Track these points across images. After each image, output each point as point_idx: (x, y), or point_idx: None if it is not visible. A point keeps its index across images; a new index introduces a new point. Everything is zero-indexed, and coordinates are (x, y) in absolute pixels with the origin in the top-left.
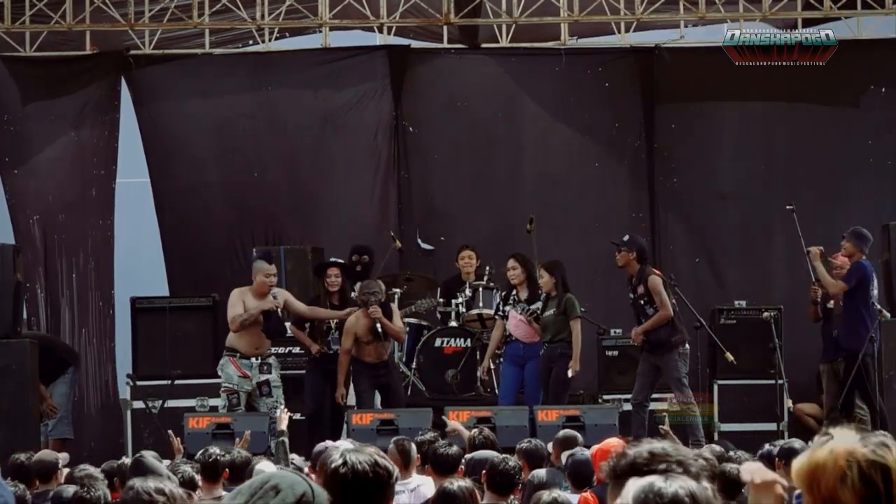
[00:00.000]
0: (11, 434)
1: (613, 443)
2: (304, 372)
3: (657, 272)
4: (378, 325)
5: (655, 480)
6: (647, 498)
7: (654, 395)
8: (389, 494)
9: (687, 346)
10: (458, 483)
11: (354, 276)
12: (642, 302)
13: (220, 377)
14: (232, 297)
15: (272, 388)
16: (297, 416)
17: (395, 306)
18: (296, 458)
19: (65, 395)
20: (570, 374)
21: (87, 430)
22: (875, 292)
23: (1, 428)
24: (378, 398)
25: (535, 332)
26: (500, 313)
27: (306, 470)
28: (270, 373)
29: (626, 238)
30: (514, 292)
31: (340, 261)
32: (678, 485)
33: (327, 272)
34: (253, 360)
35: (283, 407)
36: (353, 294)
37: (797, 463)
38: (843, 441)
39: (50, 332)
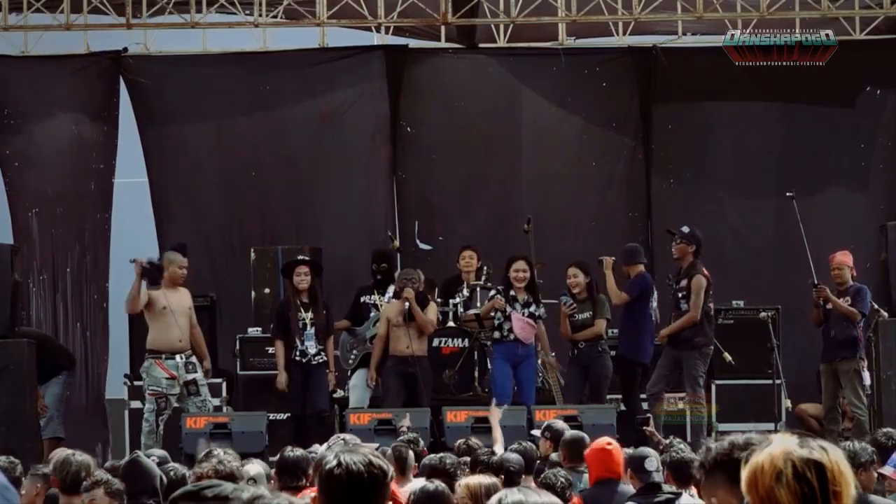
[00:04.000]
0: (10, 434)
1: (604, 441)
2: (273, 373)
3: (706, 274)
4: (406, 305)
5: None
6: None
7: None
8: (385, 494)
9: (711, 348)
10: (436, 483)
11: (374, 283)
12: (680, 295)
13: (146, 379)
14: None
15: (199, 387)
16: (282, 416)
17: (432, 303)
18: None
19: (57, 395)
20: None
21: (76, 423)
22: (654, 304)
23: None
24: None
25: (534, 333)
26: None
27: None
28: (196, 371)
29: (685, 229)
30: (511, 292)
31: (307, 258)
32: (539, 499)
33: (296, 270)
34: (178, 358)
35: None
36: (380, 298)
37: (743, 472)
38: (781, 443)
39: (45, 325)
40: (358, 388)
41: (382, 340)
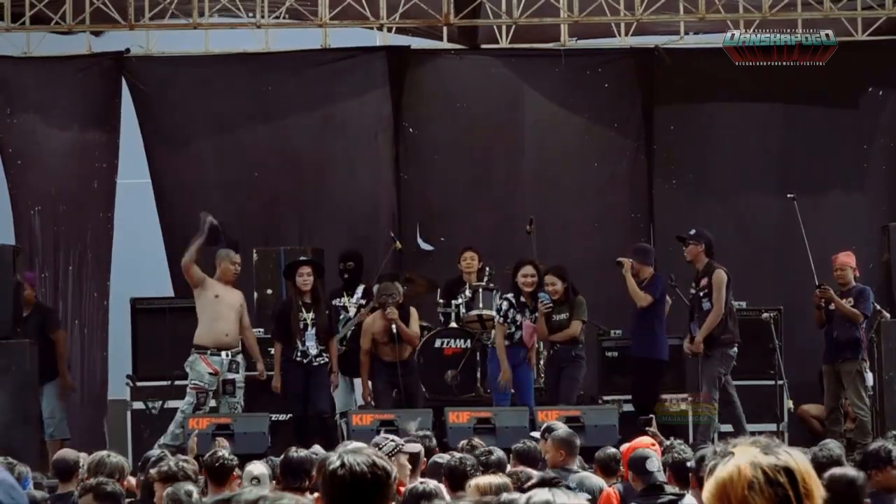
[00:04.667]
0: (11, 434)
1: (645, 441)
2: (271, 373)
3: (724, 269)
4: (394, 327)
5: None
6: None
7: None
8: (388, 494)
9: (735, 348)
10: (426, 483)
11: (343, 283)
12: (702, 295)
13: (189, 373)
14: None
15: (236, 389)
16: (284, 417)
17: (413, 311)
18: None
19: (59, 395)
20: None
21: (73, 421)
22: (667, 305)
23: (0, 428)
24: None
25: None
26: (509, 319)
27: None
28: (237, 372)
29: (692, 232)
30: (521, 298)
31: (310, 258)
32: (567, 499)
33: (298, 271)
34: (223, 355)
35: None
36: (349, 299)
37: (707, 486)
38: (745, 455)
39: None
40: (338, 393)
41: (367, 354)
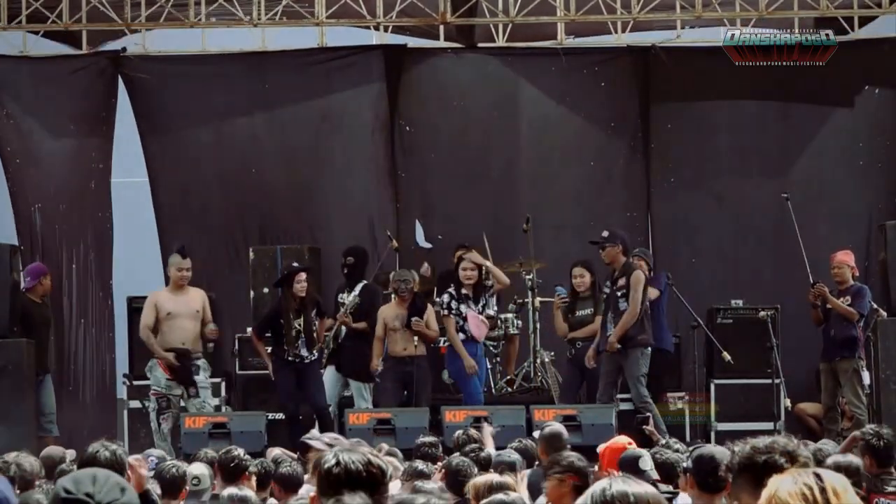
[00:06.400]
0: (8, 433)
1: (622, 440)
2: (268, 372)
3: (644, 270)
4: (415, 339)
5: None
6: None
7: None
8: (384, 493)
9: (650, 349)
10: (430, 485)
11: (343, 278)
12: (619, 294)
13: (150, 378)
14: (147, 300)
15: (199, 390)
16: (280, 415)
17: (430, 307)
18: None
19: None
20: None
21: (83, 420)
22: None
23: None
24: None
25: (487, 331)
26: (454, 311)
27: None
28: (198, 374)
29: (605, 234)
30: (463, 290)
31: (305, 266)
32: (641, 489)
33: (296, 277)
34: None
35: None
36: (347, 296)
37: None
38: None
39: (51, 322)
40: (327, 382)
41: (380, 341)
